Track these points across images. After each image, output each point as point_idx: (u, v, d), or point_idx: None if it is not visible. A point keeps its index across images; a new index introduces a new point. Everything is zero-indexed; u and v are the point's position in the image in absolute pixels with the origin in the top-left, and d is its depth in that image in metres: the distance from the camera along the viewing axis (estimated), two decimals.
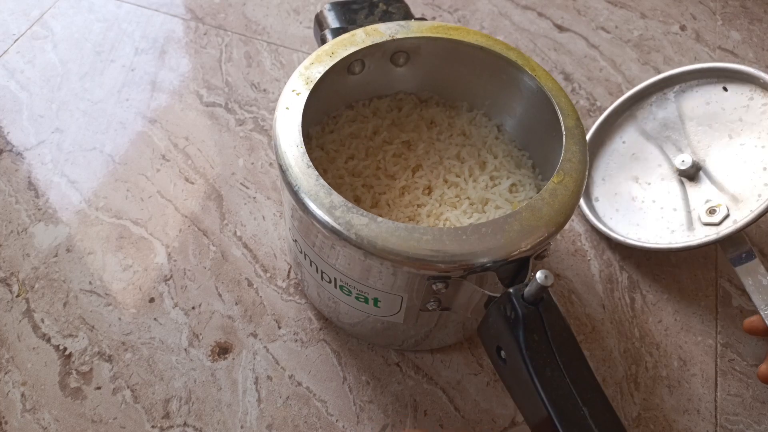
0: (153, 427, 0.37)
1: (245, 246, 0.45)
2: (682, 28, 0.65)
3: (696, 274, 0.46)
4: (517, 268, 0.29)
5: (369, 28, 0.37)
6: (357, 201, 0.36)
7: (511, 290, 0.26)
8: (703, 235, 0.41)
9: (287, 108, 0.32)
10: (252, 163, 0.50)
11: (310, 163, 0.29)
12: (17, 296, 0.42)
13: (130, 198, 0.48)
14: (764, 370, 0.37)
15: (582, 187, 0.30)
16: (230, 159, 0.50)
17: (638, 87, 0.49)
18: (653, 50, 0.63)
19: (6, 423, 0.37)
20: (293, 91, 0.33)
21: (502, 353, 0.27)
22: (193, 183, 0.49)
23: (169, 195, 0.48)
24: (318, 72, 0.34)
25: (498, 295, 0.27)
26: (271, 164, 0.50)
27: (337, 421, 0.38)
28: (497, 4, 0.66)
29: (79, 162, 0.50)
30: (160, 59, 0.58)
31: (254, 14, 0.62)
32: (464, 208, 0.35)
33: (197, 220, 0.47)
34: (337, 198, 0.28)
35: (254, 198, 0.48)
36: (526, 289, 0.26)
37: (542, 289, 0.25)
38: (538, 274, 0.25)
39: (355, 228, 0.27)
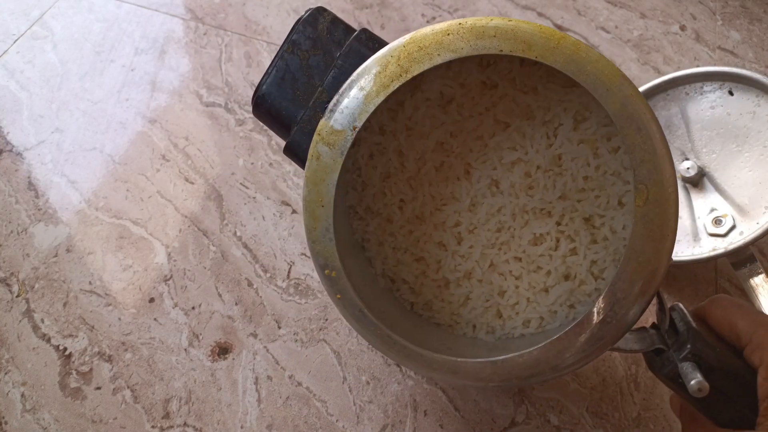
0: (153, 427, 0.37)
1: (245, 246, 0.45)
2: (682, 28, 0.65)
3: (695, 273, 0.46)
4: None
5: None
6: (442, 247, 0.31)
7: (657, 347, 0.26)
8: (710, 248, 0.40)
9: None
10: (252, 163, 0.50)
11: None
12: (17, 296, 0.42)
13: (130, 198, 0.48)
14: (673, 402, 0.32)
15: (676, 198, 0.24)
16: (230, 159, 0.50)
17: (641, 89, 0.49)
18: (653, 50, 0.63)
19: (6, 423, 0.37)
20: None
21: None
22: (193, 183, 0.49)
23: (169, 195, 0.48)
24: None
25: (648, 348, 0.26)
26: (271, 164, 0.50)
27: (337, 421, 0.38)
28: (497, 4, 0.66)
29: (79, 162, 0.50)
30: (160, 59, 0.58)
31: (254, 14, 0.62)
32: (542, 182, 0.30)
33: (197, 220, 0.47)
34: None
35: (254, 198, 0.48)
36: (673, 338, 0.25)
37: (684, 325, 0.24)
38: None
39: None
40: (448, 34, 0.26)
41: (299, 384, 0.39)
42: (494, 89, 0.30)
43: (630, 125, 0.24)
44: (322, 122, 0.27)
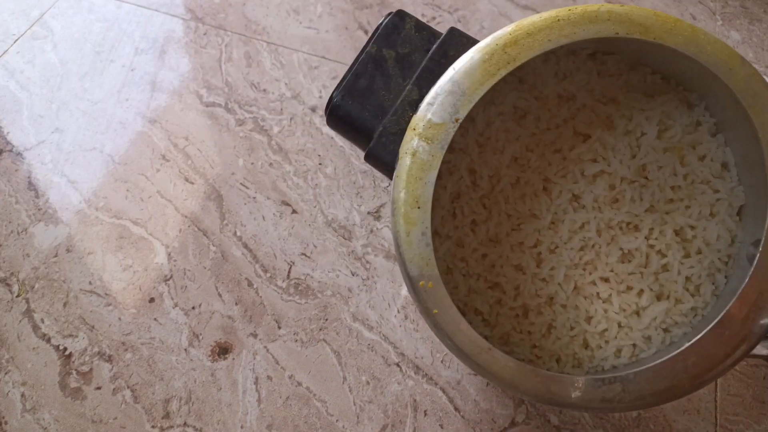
0: (153, 427, 0.37)
1: (245, 246, 0.45)
2: None
3: None
4: None
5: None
6: (520, 270, 0.29)
7: None
8: None
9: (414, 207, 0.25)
10: (252, 163, 0.50)
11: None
12: (17, 296, 0.42)
13: (130, 198, 0.48)
14: None
15: None
16: (230, 159, 0.50)
17: None
18: None
19: (6, 423, 0.37)
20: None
21: None
22: (192, 183, 0.49)
23: (169, 195, 0.48)
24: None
25: None
26: (271, 164, 0.50)
27: (337, 421, 0.38)
28: (497, 4, 0.66)
29: (79, 162, 0.50)
30: (160, 59, 0.58)
31: (254, 14, 0.62)
32: (628, 195, 0.28)
33: (197, 220, 0.47)
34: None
35: (254, 198, 0.48)
36: None
37: None
38: None
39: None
40: (559, 20, 0.25)
41: (299, 384, 0.39)
42: (571, 101, 0.29)
43: (756, 103, 0.23)
44: (416, 116, 0.25)
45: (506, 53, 0.25)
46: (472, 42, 0.28)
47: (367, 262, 0.44)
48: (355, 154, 0.50)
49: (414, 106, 0.27)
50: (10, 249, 0.44)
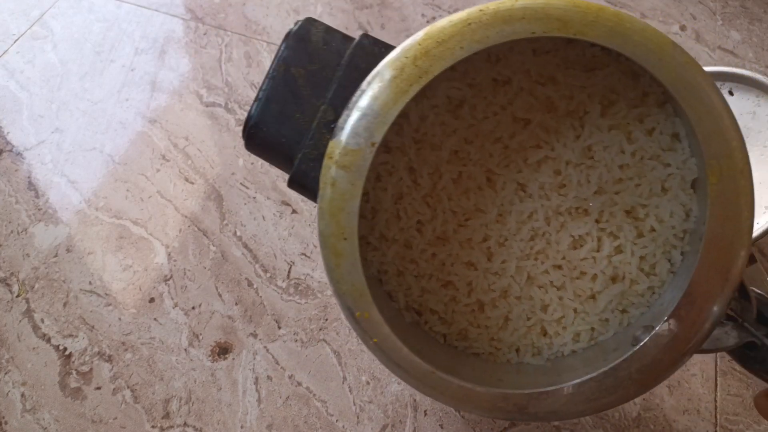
0: (153, 427, 0.37)
1: (245, 246, 0.45)
2: (682, 28, 0.65)
3: None
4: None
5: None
6: (471, 266, 0.28)
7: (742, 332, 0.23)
8: None
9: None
10: (252, 163, 0.50)
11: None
12: (17, 296, 0.42)
13: (129, 198, 0.48)
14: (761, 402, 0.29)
15: (749, 168, 0.22)
16: (230, 159, 0.50)
17: None
18: None
19: (6, 423, 0.37)
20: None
21: None
22: (193, 183, 0.49)
23: (168, 195, 0.48)
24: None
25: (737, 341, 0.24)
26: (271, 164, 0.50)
27: (337, 421, 0.38)
28: None
29: (79, 162, 0.50)
30: (160, 59, 0.58)
31: (254, 14, 0.62)
32: (575, 178, 0.27)
33: (197, 220, 0.47)
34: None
35: (254, 198, 0.48)
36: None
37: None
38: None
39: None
40: (469, 24, 0.23)
41: (299, 384, 0.39)
42: (508, 85, 0.27)
43: (691, 95, 0.22)
44: (332, 143, 0.24)
45: (417, 66, 0.23)
46: (384, 50, 0.26)
47: None
48: None
49: (330, 127, 0.26)
50: (10, 249, 0.44)
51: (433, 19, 0.63)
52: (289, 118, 0.27)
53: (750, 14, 0.68)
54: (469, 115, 0.27)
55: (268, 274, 0.44)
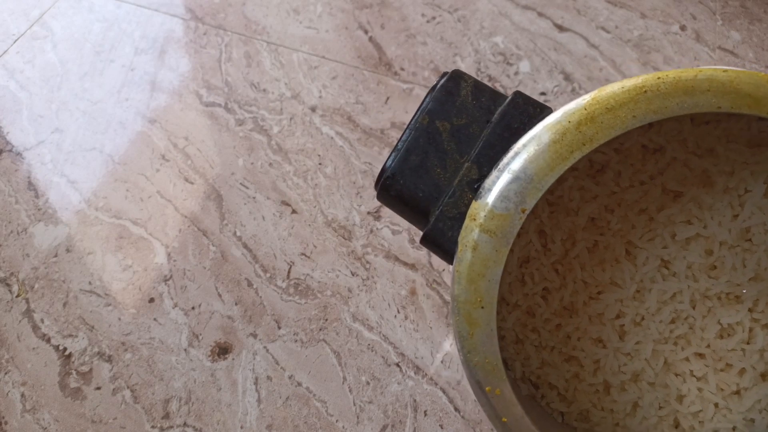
0: (153, 427, 0.37)
1: (245, 246, 0.45)
2: (682, 28, 0.65)
3: None
4: None
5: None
6: (600, 344, 0.26)
7: None
8: None
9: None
10: (252, 163, 0.50)
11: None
12: (17, 296, 0.42)
13: (129, 198, 0.48)
14: None
15: None
16: (230, 159, 0.50)
17: None
18: (653, 50, 0.63)
19: (6, 423, 0.37)
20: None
21: None
22: (192, 183, 0.49)
23: (168, 195, 0.48)
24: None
25: None
26: (271, 164, 0.50)
27: (337, 421, 0.38)
28: (497, 4, 0.66)
29: (79, 162, 0.50)
30: (160, 59, 0.58)
31: (254, 14, 0.62)
32: (729, 262, 0.25)
33: (197, 220, 0.47)
34: None
35: (254, 198, 0.48)
36: None
37: None
38: None
39: None
40: (645, 92, 0.21)
41: (299, 384, 0.39)
42: (659, 153, 0.25)
43: None
44: (475, 204, 0.22)
45: (581, 132, 0.21)
46: (539, 111, 0.25)
47: (367, 262, 0.44)
48: (355, 154, 0.50)
49: (473, 186, 0.24)
50: (9, 249, 0.44)
51: (433, 19, 0.63)
52: (428, 171, 0.25)
53: (750, 14, 0.68)
54: (613, 181, 0.25)
55: (268, 274, 0.44)
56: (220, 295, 0.43)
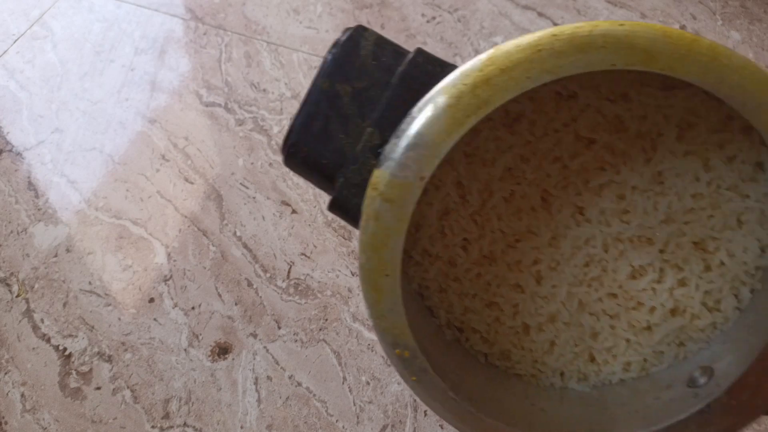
0: (153, 427, 0.37)
1: (245, 246, 0.45)
2: (682, 28, 0.65)
3: None
4: None
5: None
6: (518, 289, 0.27)
7: None
8: None
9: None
10: (252, 163, 0.50)
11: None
12: (17, 296, 0.42)
13: (129, 198, 0.48)
14: None
15: None
16: (230, 159, 0.50)
17: None
18: None
19: (6, 423, 0.37)
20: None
21: None
22: (192, 183, 0.49)
23: (168, 195, 0.48)
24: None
25: None
26: (271, 164, 0.50)
27: (337, 421, 0.38)
28: (497, 4, 0.66)
29: (79, 162, 0.50)
30: (160, 59, 0.58)
31: (254, 14, 0.62)
32: (640, 206, 0.25)
33: (197, 220, 0.47)
34: None
35: (254, 198, 0.48)
36: None
37: None
38: None
39: None
40: (540, 50, 0.20)
41: (299, 384, 0.39)
42: (573, 100, 0.25)
43: None
44: (377, 173, 0.22)
45: (476, 96, 0.20)
46: (441, 69, 0.24)
47: None
48: None
49: (376, 152, 0.24)
50: (9, 249, 0.44)
51: (433, 19, 0.63)
52: (331, 137, 0.25)
53: (750, 14, 0.68)
54: (527, 131, 0.25)
55: (268, 274, 0.44)
56: (220, 295, 0.43)
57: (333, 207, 0.26)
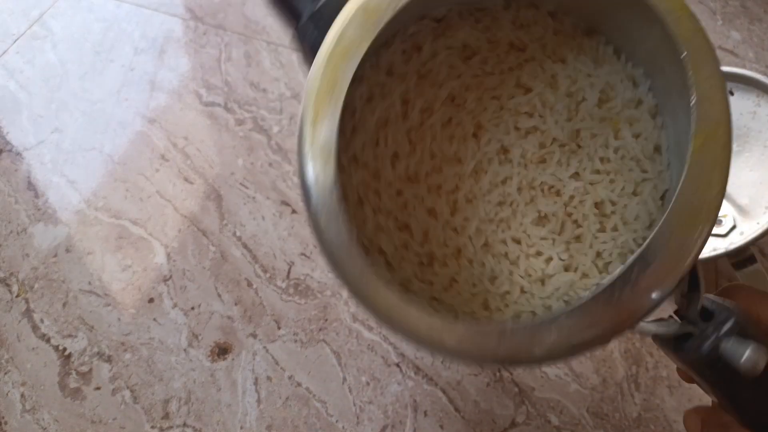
0: (152, 427, 0.37)
1: (245, 246, 0.45)
2: None
3: None
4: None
5: None
6: (432, 215, 0.29)
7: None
8: (710, 248, 0.40)
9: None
10: (251, 163, 0.50)
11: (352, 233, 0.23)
12: (17, 296, 0.42)
13: (129, 198, 0.48)
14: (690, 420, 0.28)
15: (730, 143, 0.23)
16: (229, 159, 0.50)
17: None
18: None
19: (6, 423, 0.37)
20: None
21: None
22: (192, 183, 0.49)
23: (168, 195, 0.48)
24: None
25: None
26: (270, 164, 0.50)
27: (337, 421, 0.38)
28: None
29: (79, 162, 0.50)
30: (160, 59, 0.58)
31: (254, 14, 0.62)
32: (556, 157, 0.28)
33: (196, 220, 0.47)
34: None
35: (254, 198, 0.48)
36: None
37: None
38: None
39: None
40: None
41: (299, 384, 0.39)
42: (522, 51, 0.28)
43: (696, 58, 0.22)
44: None
45: None
46: None
47: None
48: None
49: None
50: (9, 249, 0.44)
51: None
52: None
53: (750, 14, 0.68)
54: (478, 66, 0.28)
55: (268, 275, 0.44)
56: (219, 295, 0.43)
57: (300, 35, 0.27)
